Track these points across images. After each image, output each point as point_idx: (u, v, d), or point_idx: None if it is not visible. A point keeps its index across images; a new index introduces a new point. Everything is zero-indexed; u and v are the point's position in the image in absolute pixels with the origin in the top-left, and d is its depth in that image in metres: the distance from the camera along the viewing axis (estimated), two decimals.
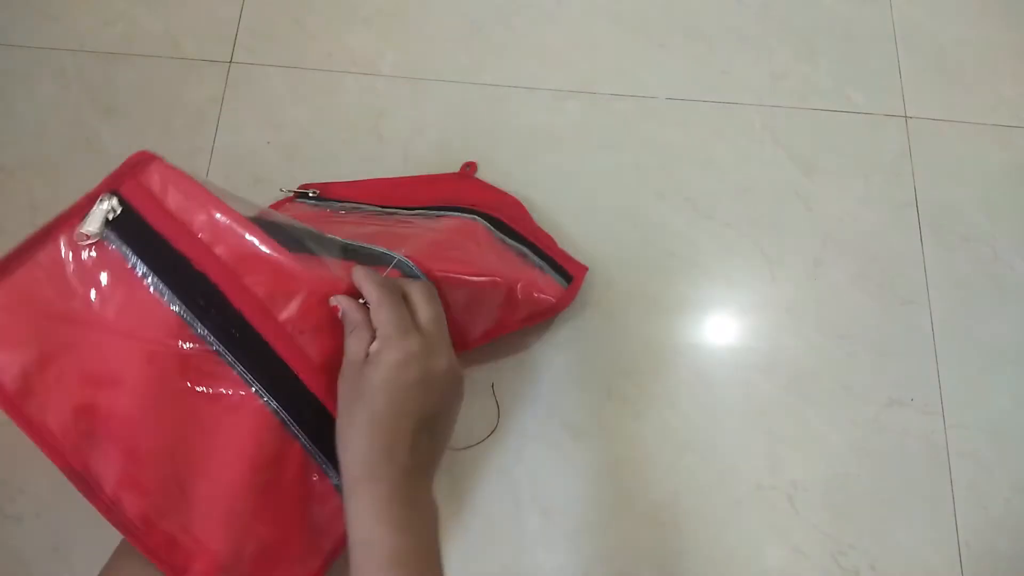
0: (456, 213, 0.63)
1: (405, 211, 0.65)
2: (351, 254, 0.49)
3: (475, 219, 0.62)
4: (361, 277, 0.46)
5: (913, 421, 0.67)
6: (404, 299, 0.45)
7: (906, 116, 0.78)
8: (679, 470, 0.64)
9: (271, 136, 0.72)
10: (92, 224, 0.44)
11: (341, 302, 0.45)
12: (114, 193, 0.46)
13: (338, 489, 0.46)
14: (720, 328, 0.69)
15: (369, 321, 0.44)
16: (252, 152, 0.71)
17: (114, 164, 0.67)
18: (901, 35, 0.82)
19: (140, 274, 0.44)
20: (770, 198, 0.74)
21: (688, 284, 0.70)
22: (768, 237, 0.72)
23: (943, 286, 0.72)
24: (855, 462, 0.65)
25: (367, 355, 0.43)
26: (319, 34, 0.76)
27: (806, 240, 0.73)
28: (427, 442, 0.43)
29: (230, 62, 0.74)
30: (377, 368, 0.42)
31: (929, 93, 0.80)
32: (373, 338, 0.43)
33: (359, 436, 0.41)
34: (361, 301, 0.46)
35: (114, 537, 0.45)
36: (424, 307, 0.45)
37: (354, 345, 0.44)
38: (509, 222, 0.64)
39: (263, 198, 0.69)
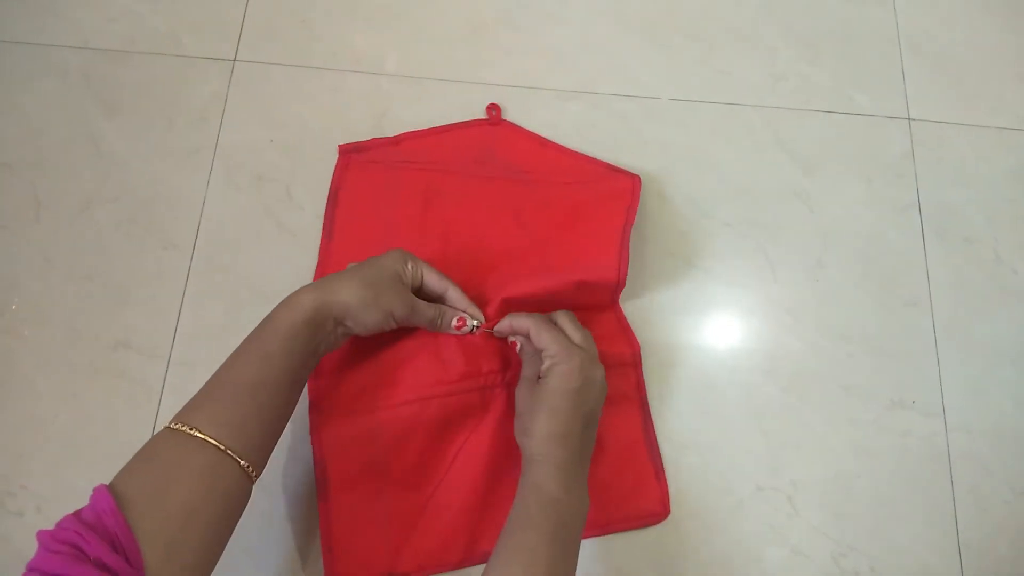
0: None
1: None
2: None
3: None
4: (514, 316, 0.58)
5: (914, 423, 0.67)
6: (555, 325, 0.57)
7: (909, 118, 0.78)
8: (680, 470, 0.64)
9: (274, 134, 0.72)
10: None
11: (518, 339, 0.59)
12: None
13: None
14: (721, 329, 0.69)
15: (536, 349, 0.55)
16: (255, 150, 0.71)
17: (117, 161, 0.68)
18: (905, 37, 0.82)
19: None
20: (772, 199, 0.74)
21: (689, 284, 0.70)
22: (770, 238, 0.72)
23: (945, 288, 0.72)
24: (856, 463, 0.65)
25: (539, 375, 0.54)
26: (323, 32, 0.76)
27: (808, 241, 0.73)
28: (588, 437, 0.54)
29: (234, 60, 0.74)
30: (553, 377, 0.53)
31: (932, 95, 0.80)
32: (540, 360, 0.55)
33: (540, 425, 0.52)
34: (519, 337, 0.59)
35: None
36: (573, 330, 0.56)
37: (528, 369, 0.56)
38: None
39: (265, 195, 0.69)
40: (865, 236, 0.73)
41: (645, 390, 0.65)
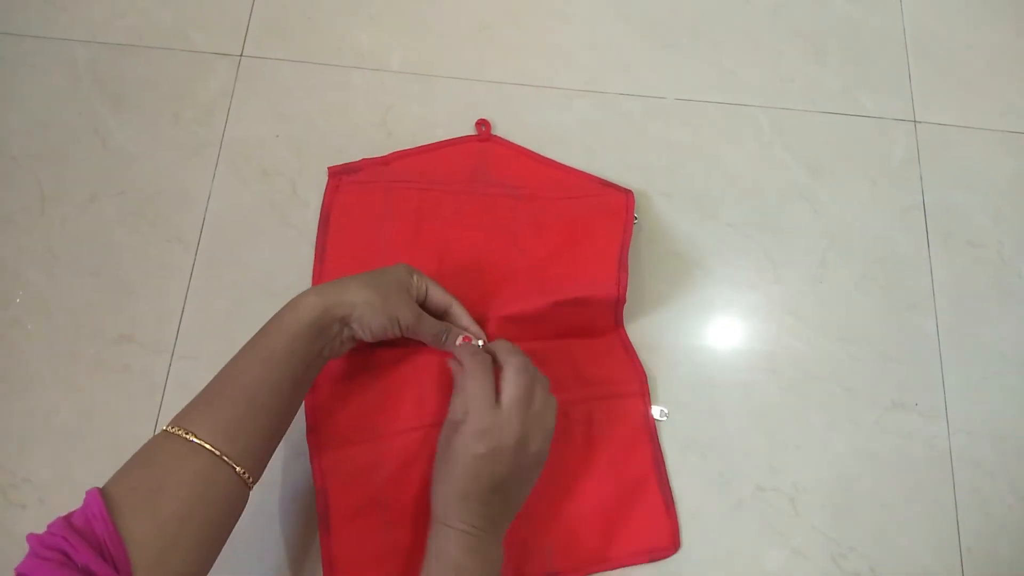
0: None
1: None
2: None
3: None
4: (461, 349, 0.55)
5: (916, 425, 0.67)
6: (498, 369, 0.53)
7: (915, 120, 0.78)
8: (681, 470, 0.64)
9: (280, 129, 0.72)
10: None
11: (453, 366, 0.56)
12: None
13: None
14: (724, 329, 0.69)
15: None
16: (261, 145, 0.71)
17: (123, 155, 0.68)
18: (911, 39, 0.82)
19: None
20: (776, 200, 0.74)
21: (692, 285, 0.70)
22: (774, 239, 0.72)
23: (949, 291, 0.72)
24: (857, 465, 0.65)
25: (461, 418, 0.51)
26: (329, 29, 0.76)
27: (812, 242, 0.72)
28: (499, 503, 0.50)
29: (240, 55, 0.74)
30: (459, 435, 0.50)
31: (938, 98, 0.80)
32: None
33: (442, 484, 0.50)
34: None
35: None
36: (511, 384, 0.51)
37: (456, 405, 0.52)
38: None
39: (271, 190, 0.69)
40: (869, 238, 0.73)
41: (654, 421, 0.65)
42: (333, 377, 0.61)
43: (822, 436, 0.66)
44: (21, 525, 0.58)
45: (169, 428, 0.45)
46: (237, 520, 0.46)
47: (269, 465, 0.50)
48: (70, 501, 0.59)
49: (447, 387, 0.59)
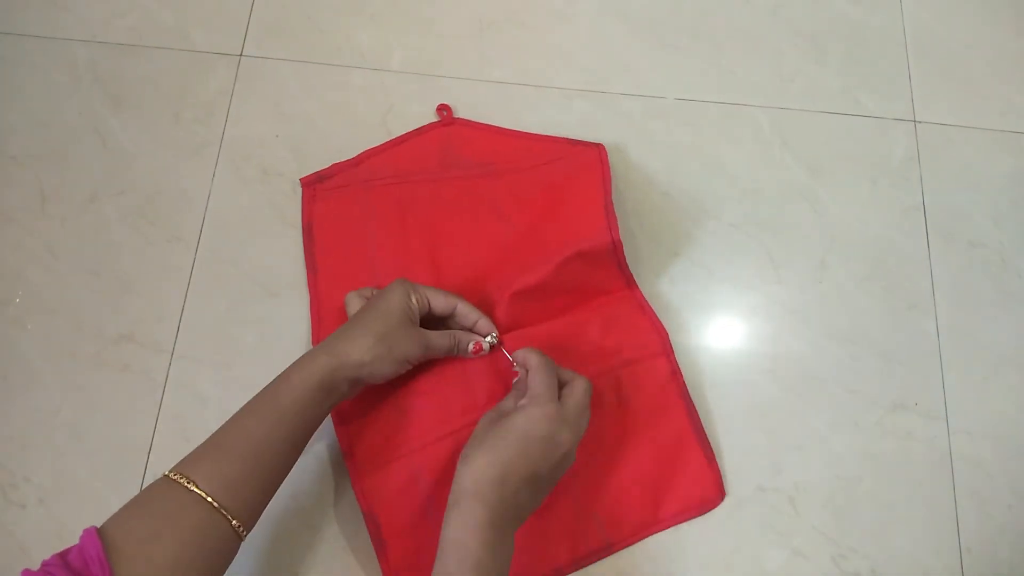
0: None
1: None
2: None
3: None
4: (530, 351, 0.54)
5: (917, 426, 0.67)
6: (563, 383, 0.54)
7: (915, 120, 0.78)
8: None
9: (280, 129, 0.72)
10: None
11: (520, 370, 0.56)
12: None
13: None
14: (724, 329, 0.69)
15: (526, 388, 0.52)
16: (261, 145, 0.71)
17: (123, 155, 0.68)
18: (912, 39, 0.82)
19: None
20: (777, 200, 0.74)
21: (693, 285, 0.70)
22: (774, 239, 0.72)
23: (949, 291, 0.72)
24: (858, 465, 0.65)
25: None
26: (329, 28, 0.76)
27: (812, 243, 0.72)
28: (527, 495, 0.49)
29: (240, 55, 0.74)
30: (520, 416, 0.49)
31: (939, 98, 0.79)
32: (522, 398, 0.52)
33: (482, 458, 0.48)
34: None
35: None
36: (578, 390, 0.53)
37: (510, 400, 0.54)
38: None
39: (270, 190, 0.69)
40: (870, 238, 0.73)
41: (682, 377, 0.65)
42: (358, 400, 0.61)
43: (822, 436, 0.66)
44: (21, 525, 0.58)
45: (171, 475, 0.46)
46: (226, 569, 0.47)
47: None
48: (69, 501, 0.59)
49: (469, 391, 0.60)
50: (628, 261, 0.65)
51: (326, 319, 0.64)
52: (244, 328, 0.64)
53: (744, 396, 0.67)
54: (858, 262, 0.72)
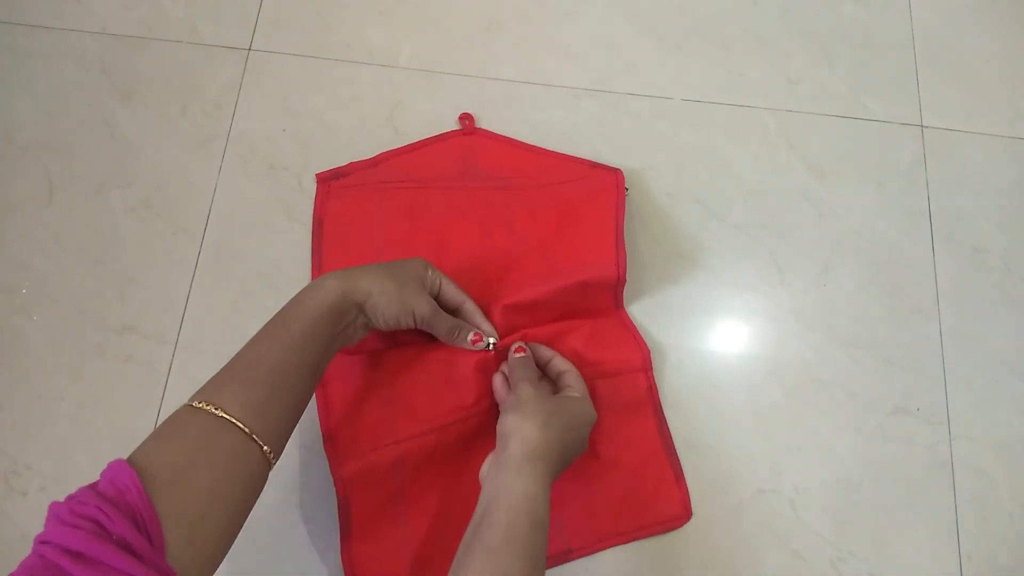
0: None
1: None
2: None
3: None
4: (540, 347, 0.62)
5: (918, 430, 0.67)
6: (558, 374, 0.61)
7: (922, 125, 0.78)
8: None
9: (287, 124, 0.72)
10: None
11: (519, 356, 0.60)
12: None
13: None
14: (726, 331, 0.69)
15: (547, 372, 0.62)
16: (268, 139, 0.71)
17: (130, 146, 0.68)
18: (919, 44, 0.82)
19: None
20: (782, 202, 0.74)
21: (696, 286, 0.70)
22: (778, 241, 0.72)
23: (953, 296, 0.72)
24: (858, 469, 0.65)
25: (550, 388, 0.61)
26: (338, 24, 0.77)
27: (817, 245, 0.72)
28: (563, 467, 0.54)
29: (249, 49, 0.75)
30: (577, 399, 0.57)
31: (946, 103, 0.79)
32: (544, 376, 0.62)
33: (538, 431, 0.51)
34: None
35: None
36: (581, 383, 0.60)
37: (526, 373, 0.58)
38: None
39: (277, 184, 0.70)
40: (874, 242, 0.73)
41: (658, 394, 0.65)
42: (345, 385, 0.61)
43: (823, 439, 0.66)
44: (22, 512, 0.59)
45: (195, 404, 0.44)
46: (258, 498, 0.46)
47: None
48: (71, 489, 0.59)
49: (456, 391, 0.60)
50: (631, 261, 0.66)
51: None
52: (248, 321, 0.65)
53: (745, 398, 0.67)
54: (862, 266, 0.72)
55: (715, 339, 0.69)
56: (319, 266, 0.67)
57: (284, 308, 0.51)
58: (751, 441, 0.65)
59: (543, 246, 0.67)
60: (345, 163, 0.71)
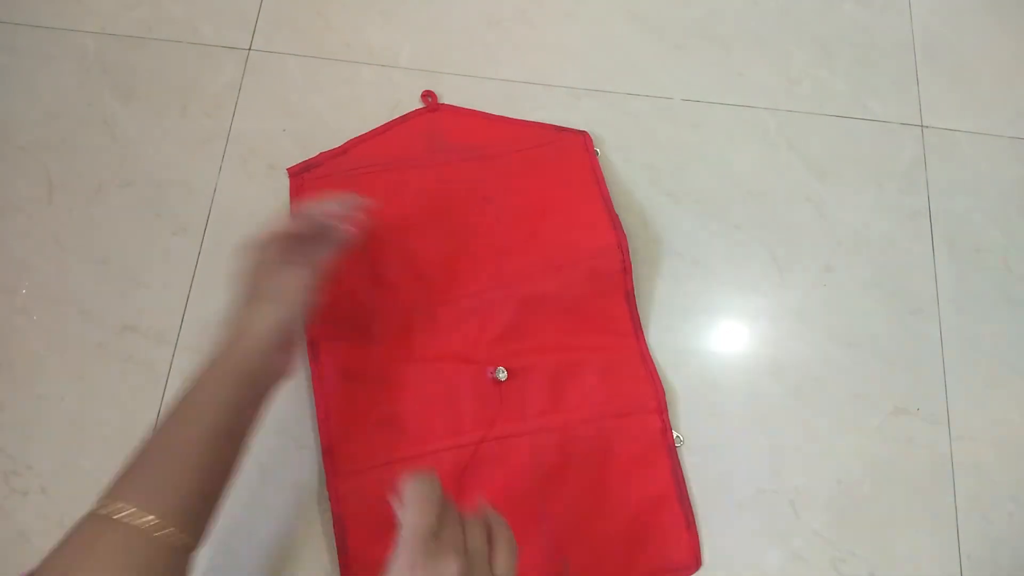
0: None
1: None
2: None
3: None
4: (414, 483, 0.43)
5: (918, 430, 0.67)
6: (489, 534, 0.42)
7: (922, 125, 0.78)
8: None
9: (287, 124, 0.72)
10: None
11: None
12: None
13: None
14: (727, 331, 0.69)
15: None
16: (268, 139, 0.71)
17: (130, 146, 0.68)
18: (920, 44, 0.82)
19: None
20: (782, 202, 0.74)
21: (696, 286, 0.70)
22: (779, 241, 0.72)
23: (953, 297, 0.72)
24: (859, 469, 0.65)
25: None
26: (338, 24, 0.77)
27: (817, 246, 0.72)
28: None
29: (249, 49, 0.75)
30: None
31: (946, 103, 0.79)
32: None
33: None
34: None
35: None
36: (510, 557, 0.41)
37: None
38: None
39: (276, 184, 0.70)
40: (874, 242, 0.73)
41: (672, 436, 0.64)
42: (346, 397, 0.61)
43: (824, 439, 0.66)
44: (22, 512, 0.59)
45: (99, 511, 0.41)
46: None
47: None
48: (70, 489, 0.60)
49: (454, 415, 0.60)
50: (632, 261, 0.65)
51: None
52: None
53: (746, 398, 0.67)
54: (862, 266, 0.72)
55: (715, 339, 0.69)
56: None
57: (189, 387, 0.47)
58: (751, 441, 0.65)
59: (528, 221, 0.67)
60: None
